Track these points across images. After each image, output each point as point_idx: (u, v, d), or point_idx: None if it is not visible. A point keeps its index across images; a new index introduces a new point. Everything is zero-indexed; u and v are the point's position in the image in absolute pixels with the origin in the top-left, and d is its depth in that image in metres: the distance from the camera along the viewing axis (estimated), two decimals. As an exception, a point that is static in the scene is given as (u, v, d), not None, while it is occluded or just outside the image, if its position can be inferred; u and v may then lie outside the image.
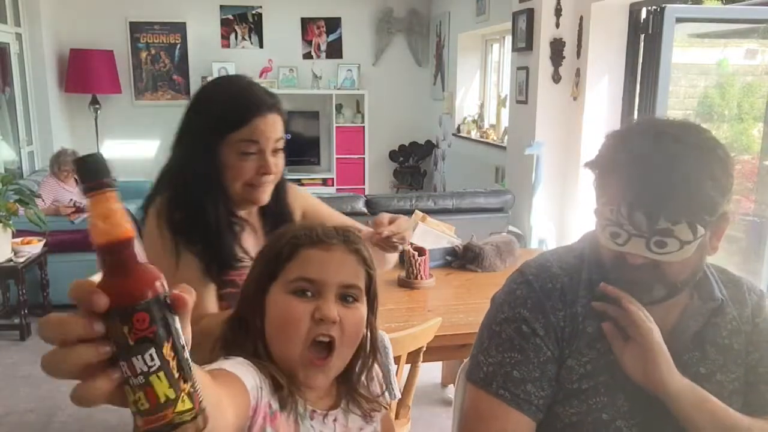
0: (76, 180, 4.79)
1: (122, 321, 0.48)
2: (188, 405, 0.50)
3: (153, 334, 0.49)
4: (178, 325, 0.51)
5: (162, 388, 0.49)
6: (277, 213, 1.41)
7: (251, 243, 1.36)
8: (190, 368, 0.51)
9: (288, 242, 0.96)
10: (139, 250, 0.51)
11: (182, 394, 0.50)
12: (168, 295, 0.51)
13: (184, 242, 1.26)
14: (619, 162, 0.95)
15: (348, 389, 1.01)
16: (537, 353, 1.01)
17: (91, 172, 0.49)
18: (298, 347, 0.91)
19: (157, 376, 0.48)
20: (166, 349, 0.49)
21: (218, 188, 1.28)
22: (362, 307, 0.97)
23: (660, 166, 0.91)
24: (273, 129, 1.28)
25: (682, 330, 1.03)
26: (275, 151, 1.30)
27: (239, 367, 0.84)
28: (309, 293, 0.93)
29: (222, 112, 1.27)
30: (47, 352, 0.48)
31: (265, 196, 1.32)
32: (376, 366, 1.05)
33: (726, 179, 0.93)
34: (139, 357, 0.48)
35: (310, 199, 1.54)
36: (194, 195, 1.27)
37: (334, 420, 0.97)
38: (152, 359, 0.48)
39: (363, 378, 1.03)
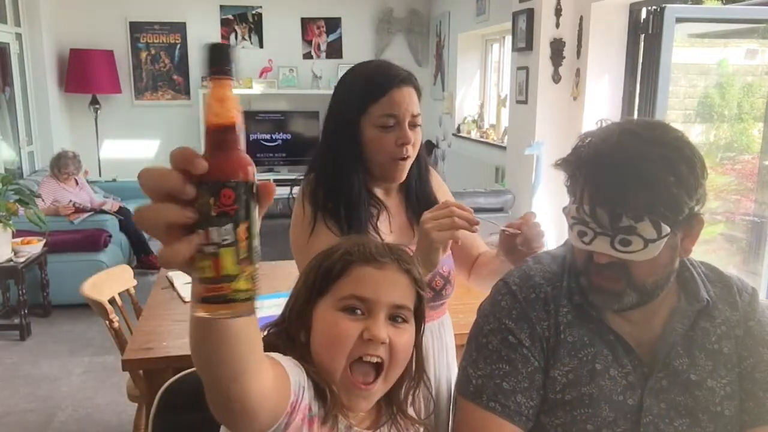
0: (76, 181, 4.79)
1: (210, 192, 0.53)
2: (246, 286, 0.54)
3: (234, 211, 0.53)
4: (257, 214, 0.55)
5: (228, 262, 0.53)
6: (420, 195, 1.41)
7: (386, 227, 1.36)
8: (256, 256, 0.55)
9: (340, 258, 0.94)
10: (240, 138, 0.55)
11: (243, 275, 0.54)
12: (257, 184, 0.55)
13: (322, 216, 1.31)
14: (584, 160, 0.95)
15: (391, 411, 0.99)
16: (525, 363, 1.01)
17: (218, 59, 0.53)
18: (342, 365, 0.89)
19: (227, 250, 0.53)
20: (241, 229, 0.53)
21: (359, 165, 1.33)
22: (411, 329, 0.95)
23: (621, 163, 0.91)
24: (409, 101, 1.30)
25: (669, 332, 1.02)
26: (412, 126, 1.31)
27: (286, 361, 0.84)
28: (359, 311, 0.91)
29: (360, 88, 1.32)
30: (141, 206, 0.53)
31: (403, 173, 1.35)
32: (423, 388, 1.03)
33: (693, 179, 0.92)
34: (216, 228, 0.53)
35: (451, 196, 1.53)
36: (337, 171, 1.33)
37: None
38: (227, 233, 0.53)
39: (408, 400, 1.01)
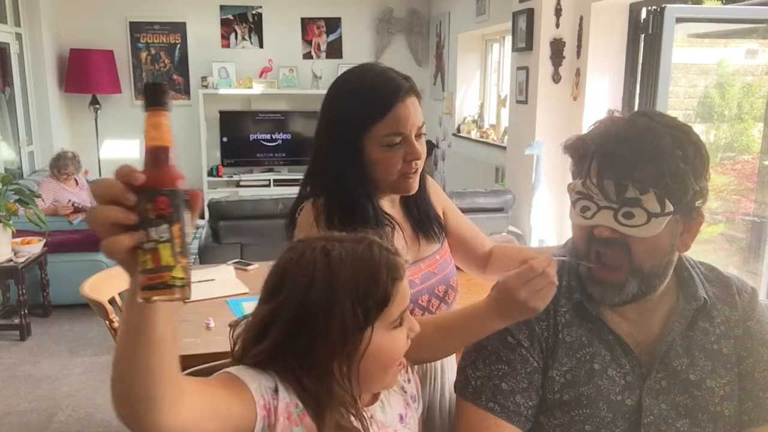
0: (76, 181, 4.80)
1: (148, 199, 0.64)
2: (181, 275, 0.65)
3: (169, 214, 0.65)
4: (188, 217, 0.67)
5: (165, 255, 0.64)
6: (420, 204, 1.37)
7: (400, 242, 1.31)
8: (188, 251, 0.67)
9: (386, 282, 0.90)
10: (173, 157, 0.67)
11: (178, 265, 0.65)
12: (187, 193, 0.67)
13: None
14: (593, 138, 0.97)
15: None
16: (524, 364, 1.01)
17: (155, 96, 0.68)
18: (396, 375, 0.96)
19: (164, 246, 0.64)
20: (175, 229, 0.65)
21: (367, 185, 1.25)
22: None
23: (631, 135, 0.93)
24: (414, 114, 1.21)
25: (667, 332, 1.02)
26: (418, 136, 1.24)
27: (245, 372, 0.85)
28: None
29: (360, 106, 1.21)
30: (92, 207, 0.66)
31: (416, 184, 1.28)
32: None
33: (699, 162, 0.94)
34: (155, 228, 0.64)
35: (447, 198, 1.49)
36: (349, 197, 1.24)
37: (371, 417, 0.96)
38: (164, 232, 0.64)
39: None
